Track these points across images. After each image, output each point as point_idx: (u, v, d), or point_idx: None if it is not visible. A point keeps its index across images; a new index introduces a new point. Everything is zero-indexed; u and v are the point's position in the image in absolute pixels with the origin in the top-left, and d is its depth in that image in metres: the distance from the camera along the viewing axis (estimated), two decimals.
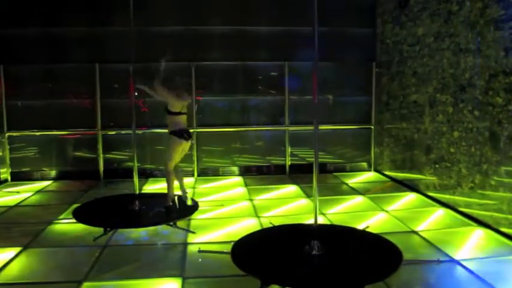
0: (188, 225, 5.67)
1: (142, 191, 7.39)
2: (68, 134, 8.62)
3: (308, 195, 7.12)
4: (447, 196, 6.36)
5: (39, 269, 4.47)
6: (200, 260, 4.60)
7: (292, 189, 7.69)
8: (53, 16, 8.35)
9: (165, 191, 6.16)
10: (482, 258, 4.62)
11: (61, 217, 6.06)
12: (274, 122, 8.91)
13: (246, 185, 8.01)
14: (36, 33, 8.40)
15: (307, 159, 9.01)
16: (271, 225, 5.55)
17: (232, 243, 4.81)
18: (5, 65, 8.28)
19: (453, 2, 6.06)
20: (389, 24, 8.12)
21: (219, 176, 8.80)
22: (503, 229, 5.18)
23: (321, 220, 5.65)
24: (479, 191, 5.65)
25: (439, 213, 6.13)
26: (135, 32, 6.21)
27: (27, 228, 5.62)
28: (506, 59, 5.07)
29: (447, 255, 4.62)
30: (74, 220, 5.74)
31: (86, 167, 8.67)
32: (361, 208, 6.52)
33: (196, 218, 5.97)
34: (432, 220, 5.86)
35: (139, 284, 4.12)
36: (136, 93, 6.00)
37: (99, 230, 5.30)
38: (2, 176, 8.36)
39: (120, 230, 5.41)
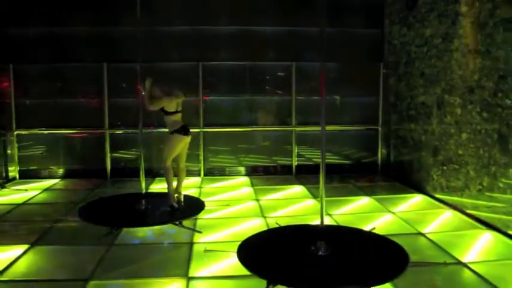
0: (194, 224, 5.68)
1: (149, 190, 7.41)
2: (75, 133, 8.66)
3: (314, 196, 7.10)
4: (455, 198, 6.32)
5: (45, 267, 4.49)
6: (206, 259, 4.60)
7: (298, 189, 7.67)
8: (61, 16, 8.41)
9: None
10: (490, 261, 4.58)
11: (67, 216, 6.09)
12: (281, 122, 8.90)
13: (252, 185, 8.01)
14: (45, 32, 8.45)
15: (313, 159, 9.00)
16: (277, 226, 5.54)
17: (239, 243, 4.80)
18: (14, 64, 8.33)
19: (461, 2, 6.02)
20: (397, 25, 8.09)
21: (226, 175, 8.80)
22: (511, 232, 5.14)
23: (327, 221, 5.64)
24: (488, 194, 5.62)
25: (447, 216, 6.10)
26: (142, 31, 6.23)
27: (35, 226, 5.66)
28: None
29: (454, 257, 4.59)
30: (80, 219, 5.76)
31: (93, 165, 8.71)
32: (368, 209, 6.49)
33: (203, 217, 5.98)
34: (439, 222, 5.83)
35: (145, 283, 4.12)
36: (143, 93, 6.01)
37: (105, 229, 5.32)
38: (10, 174, 8.42)
39: (126, 229, 5.43)
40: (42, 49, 8.44)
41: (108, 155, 8.59)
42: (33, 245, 4.98)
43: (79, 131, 8.65)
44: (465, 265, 4.40)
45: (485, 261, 4.56)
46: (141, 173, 6.38)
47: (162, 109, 5.96)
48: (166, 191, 6.16)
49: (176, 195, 6.17)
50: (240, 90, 8.82)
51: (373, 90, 8.88)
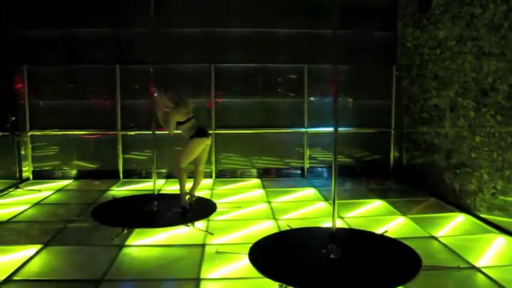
0: (206, 226, 5.69)
1: (161, 192, 7.44)
2: (88, 134, 8.72)
3: (326, 198, 7.08)
4: (468, 202, 6.26)
5: (58, 267, 4.52)
6: (217, 261, 4.60)
7: (310, 192, 7.66)
8: (75, 18, 8.46)
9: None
10: (503, 266, 4.52)
11: (80, 216, 6.15)
12: (293, 124, 8.89)
13: (264, 187, 8.01)
14: (58, 34, 8.52)
15: (325, 162, 8.97)
16: (289, 228, 5.53)
17: (250, 245, 4.80)
18: (28, 66, 8.42)
19: (476, 4, 5.98)
20: (410, 28, 8.04)
21: (237, 177, 8.81)
22: None
23: (339, 224, 5.61)
24: (501, 197, 5.56)
25: (459, 219, 6.04)
26: (155, 33, 6.26)
27: (48, 226, 5.71)
28: None
29: (467, 262, 4.55)
30: (93, 219, 5.80)
31: (106, 166, 8.77)
32: (380, 212, 6.46)
33: (214, 219, 5.99)
34: (452, 226, 5.78)
35: (157, 284, 4.15)
36: (155, 94, 6.04)
37: (117, 230, 5.36)
38: (24, 174, 8.50)
39: (138, 230, 5.45)
40: (55, 51, 8.51)
41: (121, 156, 8.65)
42: (46, 245, 5.02)
43: (92, 132, 8.72)
44: (478, 269, 4.36)
45: (499, 265, 4.50)
46: (153, 174, 6.42)
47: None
48: (178, 192, 6.17)
49: (188, 196, 6.18)
50: (252, 92, 8.82)
51: (386, 92, 8.83)
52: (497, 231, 5.46)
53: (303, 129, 8.80)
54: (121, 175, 8.66)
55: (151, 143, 6.54)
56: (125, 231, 5.35)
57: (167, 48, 8.22)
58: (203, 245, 5.03)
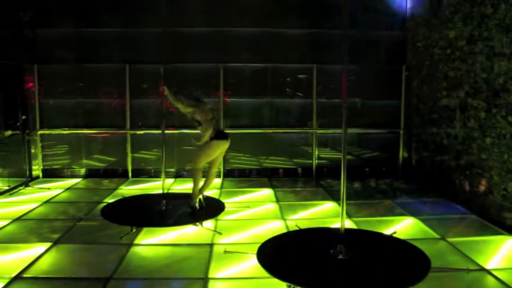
0: (214, 225, 5.69)
1: (170, 191, 7.45)
2: (97, 133, 8.77)
3: (334, 199, 7.06)
4: (478, 203, 6.21)
5: (67, 265, 4.55)
6: (225, 260, 4.60)
7: (318, 192, 7.64)
8: (85, 17, 8.53)
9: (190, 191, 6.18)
10: None
11: (89, 214, 6.18)
12: (301, 124, 8.88)
13: (272, 186, 8.00)
14: (69, 33, 8.58)
15: (334, 162, 8.94)
16: (297, 228, 5.52)
17: (258, 245, 4.80)
18: (39, 65, 8.48)
19: (487, 4, 5.93)
20: (421, 27, 8.00)
21: (246, 177, 8.81)
22: None
23: (348, 224, 5.59)
24: None
25: (469, 221, 6.00)
26: (165, 33, 6.27)
27: (57, 224, 5.75)
28: None
29: (477, 264, 4.52)
30: (102, 218, 5.83)
31: (115, 165, 8.81)
32: (389, 213, 6.43)
33: (223, 219, 5.99)
34: (461, 227, 5.74)
35: (165, 283, 4.16)
36: (165, 93, 6.05)
37: (126, 229, 5.37)
38: (33, 172, 8.56)
39: (147, 229, 5.47)
40: (66, 50, 8.58)
41: (130, 155, 8.68)
42: (55, 243, 5.05)
43: (101, 131, 8.76)
44: (488, 272, 4.33)
45: (509, 268, 4.47)
46: (162, 173, 6.44)
47: (195, 119, 5.93)
48: (186, 191, 6.17)
49: (200, 196, 6.18)
50: (261, 92, 8.82)
51: (395, 93, 8.79)
52: (507, 233, 5.41)
53: (312, 130, 8.78)
54: (130, 174, 8.70)
55: (160, 142, 6.55)
56: (134, 230, 5.37)
57: (177, 48, 8.23)
58: (211, 245, 5.04)
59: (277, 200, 7.01)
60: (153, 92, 8.28)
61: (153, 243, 5.14)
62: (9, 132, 7.75)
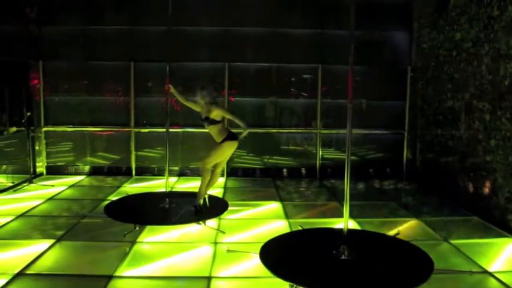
0: (218, 224, 5.69)
1: (173, 189, 7.46)
2: (102, 131, 8.79)
3: (338, 199, 7.05)
4: (482, 206, 6.19)
5: (71, 262, 4.56)
6: (228, 259, 4.60)
7: (322, 192, 7.63)
8: (90, 15, 8.55)
9: (196, 190, 6.17)
10: None
11: (92, 212, 6.19)
12: (306, 124, 8.87)
13: (276, 186, 8.00)
14: (74, 31, 8.62)
15: (338, 162, 8.92)
16: (300, 228, 5.52)
17: (261, 244, 4.80)
18: (44, 62, 8.50)
19: (494, 6, 5.91)
20: (426, 29, 7.98)
21: (249, 176, 8.81)
22: None
23: (351, 225, 5.59)
24: None
25: (472, 223, 5.98)
26: (170, 31, 6.28)
27: (61, 221, 5.76)
28: None
29: (480, 266, 4.50)
30: (106, 215, 5.84)
31: (119, 163, 8.83)
32: (392, 214, 6.42)
33: (226, 218, 5.99)
34: (465, 229, 5.72)
35: (168, 281, 4.16)
36: (171, 91, 6.06)
37: (129, 227, 5.38)
38: (38, 169, 8.59)
39: (150, 227, 5.47)
40: (71, 47, 8.61)
41: (133, 153, 8.70)
42: (59, 240, 5.06)
43: (105, 129, 8.78)
44: (491, 274, 4.31)
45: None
46: (166, 171, 6.44)
47: (208, 119, 5.82)
48: (190, 190, 6.16)
49: (206, 196, 6.17)
50: (266, 92, 8.81)
51: (400, 94, 8.77)
52: (510, 236, 5.39)
53: (316, 130, 8.78)
54: (133, 172, 8.71)
55: (164, 140, 6.55)
56: (137, 228, 5.37)
57: (181, 47, 8.23)
58: (214, 243, 5.04)
59: (281, 200, 7.00)
60: (158, 90, 8.29)
61: (157, 241, 5.15)
62: (14, 129, 7.78)
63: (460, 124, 6.78)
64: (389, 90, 8.88)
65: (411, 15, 8.60)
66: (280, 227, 5.69)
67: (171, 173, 8.32)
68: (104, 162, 8.88)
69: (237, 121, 5.75)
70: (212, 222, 5.72)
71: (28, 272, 4.24)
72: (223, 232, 5.39)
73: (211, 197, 6.42)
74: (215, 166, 6.13)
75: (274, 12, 8.62)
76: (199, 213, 5.90)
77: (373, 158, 9.12)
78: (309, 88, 8.79)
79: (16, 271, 4.21)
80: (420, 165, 8.41)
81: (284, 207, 6.60)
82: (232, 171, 8.80)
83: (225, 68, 8.54)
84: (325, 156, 8.91)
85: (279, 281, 3.96)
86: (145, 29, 8.54)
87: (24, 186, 7.59)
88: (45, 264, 4.46)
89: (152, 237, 5.22)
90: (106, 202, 6.57)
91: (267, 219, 5.99)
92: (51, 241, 5.00)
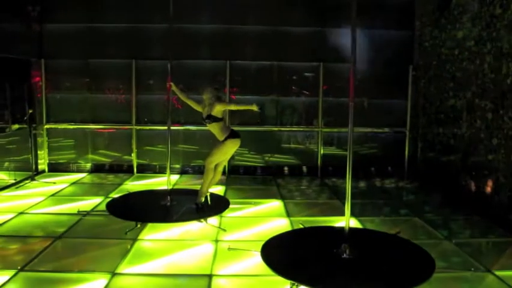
0: (219, 222, 5.70)
1: (175, 187, 7.47)
2: (103, 128, 8.79)
3: (339, 198, 7.05)
4: (483, 205, 6.18)
5: (72, 259, 4.55)
6: (229, 257, 4.60)
7: (323, 190, 7.63)
8: (92, 13, 8.55)
9: (197, 188, 6.17)
10: None
11: (94, 209, 6.20)
12: (307, 122, 8.87)
13: (277, 184, 8.00)
14: (76, 29, 8.61)
15: (339, 161, 8.91)
16: (301, 227, 5.52)
17: (262, 242, 4.80)
18: (46, 59, 8.51)
19: (496, 5, 5.89)
20: (428, 27, 7.96)
21: (250, 174, 8.81)
22: None
23: (353, 223, 5.58)
24: None
25: (474, 222, 5.98)
26: (172, 29, 6.28)
27: (62, 218, 5.77)
28: None
29: (482, 265, 4.50)
30: (107, 213, 5.84)
31: (120, 161, 8.84)
32: (394, 213, 6.41)
33: (227, 215, 6.00)
34: (466, 228, 5.72)
35: (169, 279, 4.16)
36: (173, 89, 6.06)
37: (131, 224, 5.39)
38: (39, 166, 8.60)
39: (151, 225, 5.48)
40: (73, 45, 8.61)
41: (135, 150, 8.70)
42: (60, 237, 5.07)
43: (107, 126, 8.78)
44: (493, 273, 4.31)
45: None
46: (167, 169, 6.45)
47: (209, 117, 5.81)
48: (191, 187, 6.16)
49: (208, 194, 6.17)
50: (267, 90, 8.80)
51: (402, 92, 8.75)
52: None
53: (317, 128, 8.77)
54: (135, 169, 8.72)
55: (165, 138, 6.55)
56: (138, 226, 5.38)
57: (183, 44, 8.22)
58: (215, 241, 5.04)
59: (282, 198, 7.00)
60: (159, 88, 8.29)
61: (158, 238, 5.15)
62: (16, 126, 7.79)
63: (462, 123, 6.77)
64: (391, 89, 8.85)
65: (413, 14, 8.58)
66: (281, 225, 5.69)
67: (173, 171, 8.33)
68: (106, 159, 8.89)
69: (243, 107, 5.77)
70: (213, 220, 5.72)
71: (29, 268, 4.24)
72: (225, 230, 5.40)
73: (212, 195, 6.43)
74: (217, 165, 6.13)
75: (276, 11, 8.61)
76: (200, 211, 5.91)
77: (374, 156, 9.10)
78: (311, 86, 8.78)
79: (17, 267, 4.20)
80: (422, 164, 8.40)
81: (285, 205, 6.61)
82: (233, 169, 8.81)
83: (227, 66, 8.54)
84: (326, 154, 8.90)
85: (280, 279, 3.96)
86: (146, 27, 8.53)
87: (26, 183, 7.60)
88: (46, 260, 4.46)
89: (153, 235, 5.22)
90: (107, 199, 6.58)
91: (268, 217, 5.99)
92: (52, 239, 5.00)
